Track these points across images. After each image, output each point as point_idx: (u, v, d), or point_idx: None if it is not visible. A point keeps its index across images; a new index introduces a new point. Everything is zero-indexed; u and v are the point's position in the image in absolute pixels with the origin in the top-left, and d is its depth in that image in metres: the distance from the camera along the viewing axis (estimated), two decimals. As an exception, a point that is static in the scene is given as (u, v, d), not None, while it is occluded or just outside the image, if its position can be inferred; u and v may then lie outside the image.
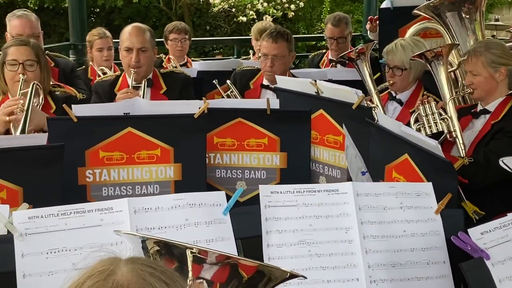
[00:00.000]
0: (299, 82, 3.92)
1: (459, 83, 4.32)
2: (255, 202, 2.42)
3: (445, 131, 3.55)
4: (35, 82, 3.49)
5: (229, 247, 2.23)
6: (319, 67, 5.67)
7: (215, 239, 2.25)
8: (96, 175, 3.33)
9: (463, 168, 3.26)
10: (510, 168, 1.59)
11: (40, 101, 3.53)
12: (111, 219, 2.20)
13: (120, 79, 4.04)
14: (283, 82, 4.00)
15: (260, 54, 4.60)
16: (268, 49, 4.27)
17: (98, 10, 16.78)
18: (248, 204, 2.48)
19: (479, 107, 3.62)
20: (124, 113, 3.41)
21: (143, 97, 3.75)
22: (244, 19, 15.09)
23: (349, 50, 4.43)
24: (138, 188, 3.38)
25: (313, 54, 6.30)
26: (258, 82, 4.48)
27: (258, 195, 2.41)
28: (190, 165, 3.41)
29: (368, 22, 6.05)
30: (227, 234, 2.27)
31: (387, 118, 3.42)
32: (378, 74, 4.78)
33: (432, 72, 3.84)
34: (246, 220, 2.32)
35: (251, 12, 15.06)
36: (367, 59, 4.25)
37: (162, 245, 1.43)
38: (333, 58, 5.38)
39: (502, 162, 1.53)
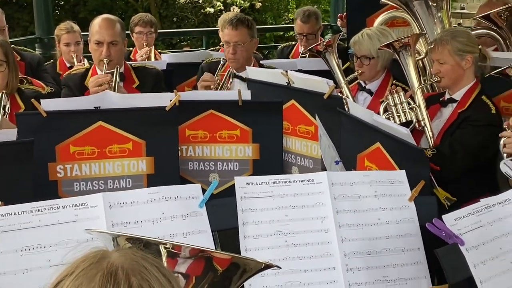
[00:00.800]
0: (270, 73, 3.93)
1: (427, 71, 4.37)
2: (228, 194, 2.42)
3: (414, 120, 3.59)
4: (4, 92, 3.42)
5: (206, 240, 2.22)
6: (289, 59, 5.67)
7: (192, 232, 2.24)
8: (67, 170, 3.30)
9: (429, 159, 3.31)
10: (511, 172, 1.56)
11: (7, 110, 3.45)
12: (86, 214, 2.17)
13: (90, 71, 3.99)
14: (254, 73, 4.00)
15: (222, 43, 4.59)
16: (229, 37, 4.25)
17: (62, 2, 16.53)
18: (221, 196, 2.48)
19: (447, 96, 3.66)
20: (94, 107, 3.38)
21: (115, 83, 3.71)
22: (212, 10, 15.01)
23: (317, 43, 4.45)
24: (110, 182, 3.36)
25: (282, 45, 6.28)
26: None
27: (231, 186, 2.41)
28: (162, 158, 3.40)
29: (339, 19, 6.09)
30: (204, 227, 2.26)
31: (358, 107, 3.45)
32: (348, 63, 4.81)
33: (400, 62, 3.88)
34: (222, 212, 2.32)
35: (218, 3, 14.99)
36: (335, 51, 4.27)
37: (134, 242, 1.42)
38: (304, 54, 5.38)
39: (504, 164, 1.50)
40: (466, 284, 2.12)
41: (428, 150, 3.35)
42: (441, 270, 2.15)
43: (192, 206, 2.28)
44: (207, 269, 1.35)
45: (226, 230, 2.31)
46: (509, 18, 4.17)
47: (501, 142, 3.06)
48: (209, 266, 1.35)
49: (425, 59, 4.35)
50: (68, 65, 5.20)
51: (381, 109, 3.69)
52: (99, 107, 3.39)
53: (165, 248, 1.34)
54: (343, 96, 3.81)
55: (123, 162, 3.36)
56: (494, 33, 4.29)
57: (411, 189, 2.47)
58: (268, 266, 1.40)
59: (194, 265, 1.36)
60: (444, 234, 2.13)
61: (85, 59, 5.22)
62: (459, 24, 7.84)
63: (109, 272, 1.14)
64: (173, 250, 1.35)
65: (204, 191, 2.34)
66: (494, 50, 4.14)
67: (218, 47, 6.13)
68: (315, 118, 3.53)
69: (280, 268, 1.50)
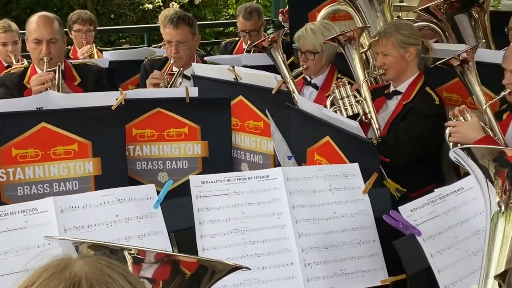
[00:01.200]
0: (217, 69, 3.89)
1: (371, 64, 4.42)
2: (178, 193, 2.39)
3: (361, 113, 3.63)
4: None
5: (162, 241, 2.18)
6: (232, 55, 5.63)
7: (148, 233, 2.19)
8: (9, 175, 3.19)
9: None
10: (461, 160, 1.57)
11: None
12: (36, 220, 2.10)
13: (29, 70, 3.87)
14: (200, 69, 3.95)
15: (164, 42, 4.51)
16: (170, 36, 4.17)
17: (-7, 0, 15.99)
18: (172, 195, 2.42)
19: (392, 88, 3.71)
20: (36, 108, 3.28)
21: (58, 81, 3.60)
22: (150, 6, 14.79)
23: (261, 39, 4.44)
24: (56, 185, 3.27)
25: (225, 41, 6.24)
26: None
27: (181, 185, 2.38)
28: (109, 159, 3.34)
29: (280, 14, 6.09)
30: (160, 228, 2.22)
31: (307, 101, 3.46)
32: (292, 58, 4.82)
33: (346, 55, 3.91)
34: (178, 212, 2.28)
35: (157, -1, 14.79)
36: (280, 46, 4.26)
37: (98, 249, 1.37)
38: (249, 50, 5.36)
39: (454, 152, 1.51)
40: (424, 274, 2.15)
41: (374, 139, 3.40)
42: (398, 261, 2.17)
43: (147, 207, 2.24)
44: (175, 273, 1.31)
45: (182, 230, 2.26)
46: (448, 11, 4.26)
47: (447, 131, 3.12)
48: (176, 270, 1.32)
49: (368, 52, 4.39)
50: (5, 64, 5.03)
51: (328, 103, 3.71)
52: (42, 107, 3.29)
53: (129, 254, 1.29)
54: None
55: (68, 164, 3.27)
56: (434, 26, 4.38)
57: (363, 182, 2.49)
58: (237, 268, 1.38)
59: (161, 269, 1.32)
60: (401, 226, 2.15)
61: (24, 59, 5.05)
62: (398, 17, 7.97)
63: (72, 283, 1.09)
64: (138, 256, 1.31)
65: (157, 191, 2.29)
66: (434, 42, 4.23)
67: (160, 44, 6.04)
68: (265, 114, 3.52)
69: (250, 269, 1.48)
